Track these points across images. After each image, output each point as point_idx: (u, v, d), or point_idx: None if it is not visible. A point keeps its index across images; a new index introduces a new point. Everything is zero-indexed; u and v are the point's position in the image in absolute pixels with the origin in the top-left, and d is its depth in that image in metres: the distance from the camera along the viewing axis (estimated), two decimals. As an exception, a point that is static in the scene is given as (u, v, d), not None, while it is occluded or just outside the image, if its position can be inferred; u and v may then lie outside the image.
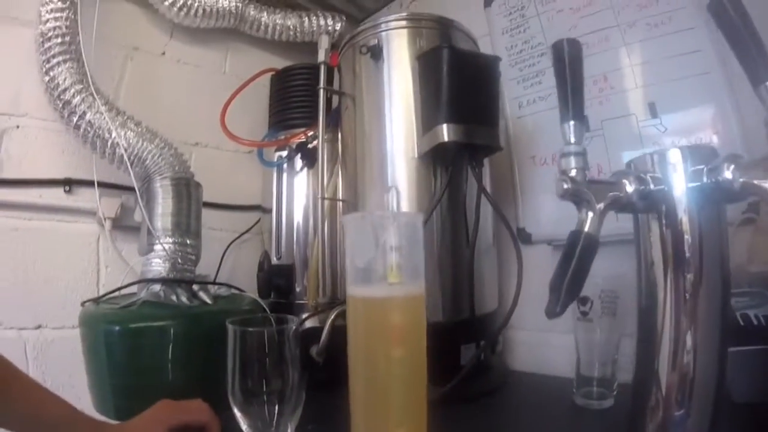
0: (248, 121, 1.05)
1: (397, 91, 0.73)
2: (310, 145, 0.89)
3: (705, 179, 0.33)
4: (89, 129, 0.77)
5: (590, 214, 0.35)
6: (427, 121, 0.67)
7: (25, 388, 0.48)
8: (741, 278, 0.58)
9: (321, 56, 0.79)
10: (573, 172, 0.36)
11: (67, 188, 0.88)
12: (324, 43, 0.80)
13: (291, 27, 1.12)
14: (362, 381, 0.27)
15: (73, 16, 0.79)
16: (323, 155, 0.81)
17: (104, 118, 0.76)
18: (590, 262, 0.34)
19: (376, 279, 0.25)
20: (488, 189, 0.77)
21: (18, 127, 0.85)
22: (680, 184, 0.36)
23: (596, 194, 0.37)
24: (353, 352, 0.27)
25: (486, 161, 0.76)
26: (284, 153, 0.92)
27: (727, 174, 0.30)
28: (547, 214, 0.84)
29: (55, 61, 0.77)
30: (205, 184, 0.87)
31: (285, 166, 0.93)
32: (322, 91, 0.79)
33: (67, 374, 0.82)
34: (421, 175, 0.71)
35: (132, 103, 0.95)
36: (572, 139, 0.37)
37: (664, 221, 0.38)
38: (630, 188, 0.35)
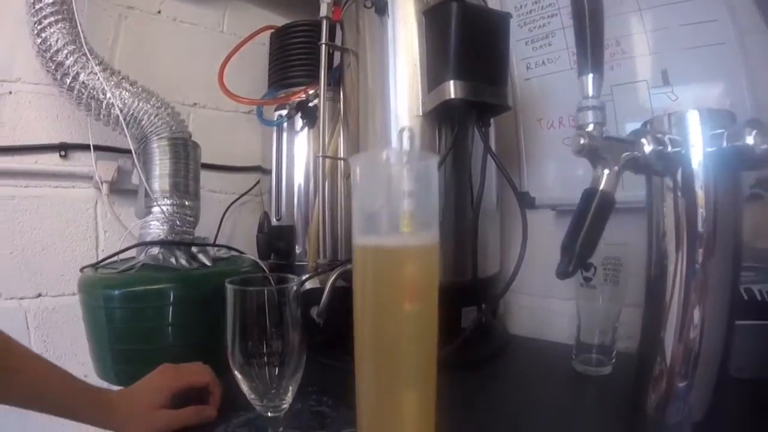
0: (247, 80, 1.02)
1: (402, 47, 0.70)
2: (310, 104, 0.86)
3: (725, 143, 0.31)
4: (83, 90, 0.74)
5: (606, 172, 0.33)
6: (433, 78, 0.65)
7: (24, 362, 0.46)
8: (747, 254, 0.57)
9: (323, 11, 0.75)
10: (590, 127, 0.35)
11: (63, 153, 0.86)
12: (326, -4, 0.76)
13: (291, -18, 1.08)
14: (371, 339, 0.26)
15: None
16: (325, 113, 0.79)
17: (98, 78, 0.73)
18: (605, 221, 0.33)
19: (387, 227, 0.23)
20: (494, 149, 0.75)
21: (11, 93, 0.83)
22: (698, 147, 0.34)
23: (612, 152, 0.35)
24: (360, 308, 0.25)
25: (491, 123, 0.73)
26: (284, 112, 0.90)
27: (749, 139, 0.29)
28: (552, 178, 0.83)
29: (46, 21, 0.73)
30: (204, 146, 0.86)
31: (285, 125, 0.90)
32: (323, 46, 0.76)
33: (68, 342, 0.83)
34: (426, 134, 0.69)
35: (127, 63, 0.91)
36: (590, 93, 0.35)
37: (680, 187, 0.36)
38: (648, 148, 0.34)
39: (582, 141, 0.33)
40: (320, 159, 0.77)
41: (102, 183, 0.86)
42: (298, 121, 0.88)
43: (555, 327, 0.78)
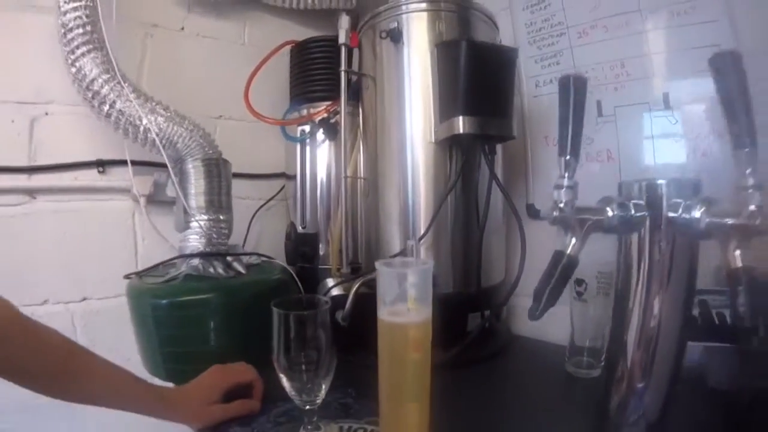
0: (269, 91, 1.07)
1: (417, 75, 0.75)
2: (331, 120, 0.92)
3: (680, 212, 0.37)
4: (120, 117, 0.80)
5: (573, 240, 0.40)
6: (444, 111, 0.71)
7: (88, 365, 0.55)
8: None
9: (341, 38, 0.80)
10: (562, 204, 0.41)
11: (101, 169, 0.93)
12: (344, 23, 0.80)
13: (309, -6, 1.11)
14: (387, 376, 0.35)
15: (91, 4, 0.80)
16: (345, 133, 0.85)
17: (134, 105, 0.80)
18: (569, 277, 0.40)
19: (399, 307, 0.32)
20: (501, 165, 0.82)
21: (47, 114, 0.89)
22: (659, 213, 0.40)
23: (580, 221, 0.42)
24: (382, 356, 0.35)
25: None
26: (307, 128, 0.96)
27: (696, 213, 0.35)
28: (557, 192, 0.88)
29: (79, 52, 0.79)
30: (230, 155, 0.92)
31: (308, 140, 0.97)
32: (343, 73, 0.82)
33: (113, 340, 0.89)
34: (438, 158, 0.75)
35: (154, 80, 0.97)
36: (566, 174, 0.42)
37: (640, 238, 0.42)
38: (611, 214, 0.40)
39: (555, 214, 0.40)
40: (343, 179, 0.84)
41: (140, 196, 0.94)
42: (320, 134, 0.95)
43: (554, 329, 0.83)
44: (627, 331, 0.42)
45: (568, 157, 0.42)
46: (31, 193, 0.88)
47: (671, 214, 0.37)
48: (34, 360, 0.52)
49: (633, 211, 0.39)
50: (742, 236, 0.31)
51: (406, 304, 0.32)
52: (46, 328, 0.54)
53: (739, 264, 0.31)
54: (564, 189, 0.41)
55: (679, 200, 0.37)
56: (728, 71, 0.34)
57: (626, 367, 0.44)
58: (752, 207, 0.31)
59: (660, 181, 0.39)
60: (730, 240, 0.31)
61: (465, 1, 0.76)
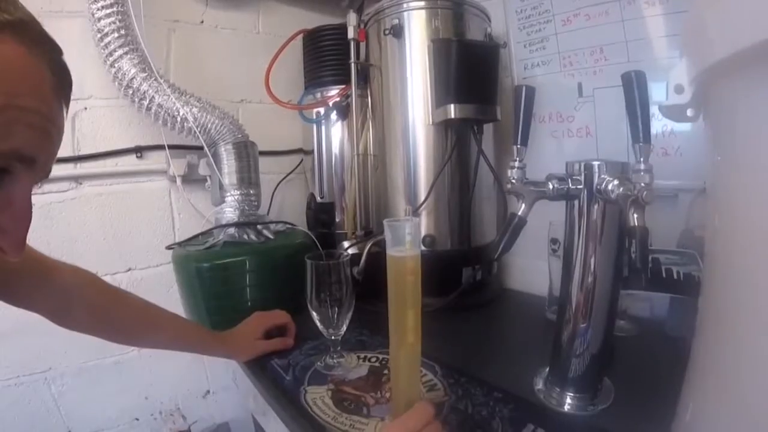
0: (284, 75, 1.17)
1: (417, 66, 0.87)
2: (343, 103, 1.04)
3: (603, 186, 0.49)
4: (160, 110, 0.93)
5: (523, 205, 0.53)
6: (438, 99, 0.82)
7: (167, 318, 0.71)
8: (687, 240, 0.74)
9: (350, 33, 0.91)
10: (515, 180, 0.54)
11: (139, 154, 1.06)
12: (352, 20, 0.91)
13: (317, -18, 1.19)
14: (393, 291, 0.50)
15: (122, 9, 0.89)
16: (356, 115, 0.98)
17: (171, 99, 0.92)
18: (519, 233, 0.53)
19: (400, 248, 0.47)
20: (492, 142, 0.95)
21: (86, 108, 1.00)
22: (591, 186, 0.51)
23: (529, 192, 0.54)
24: (390, 279, 0.49)
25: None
26: (322, 110, 1.08)
27: (610, 187, 0.47)
28: (541, 163, 0.99)
29: (117, 54, 0.89)
30: (252, 135, 1.03)
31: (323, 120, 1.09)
32: (353, 65, 0.93)
33: (156, 302, 1.06)
34: (435, 138, 0.89)
35: (180, 71, 1.08)
36: (517, 158, 0.55)
37: (577, 207, 0.54)
38: (551, 187, 0.52)
39: (509, 186, 0.54)
40: (356, 156, 0.97)
41: (177, 177, 1.07)
42: (334, 115, 1.07)
43: (540, 282, 0.95)
44: (572, 281, 0.55)
45: (519, 146, 0.54)
46: (78, 179, 1.00)
47: (599, 187, 0.49)
48: (120, 316, 0.67)
49: (571, 185, 0.51)
50: (637, 205, 0.43)
51: (404, 245, 0.47)
52: (125, 292, 0.70)
53: (634, 224, 0.43)
54: (516, 169, 0.54)
55: (605, 177, 0.49)
56: (633, 86, 0.45)
57: (572, 310, 0.56)
58: (642, 184, 0.43)
59: (595, 162, 0.51)
60: (629, 207, 0.44)
61: (459, -1, 0.86)
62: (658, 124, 0.81)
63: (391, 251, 0.48)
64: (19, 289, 0.55)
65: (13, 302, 0.55)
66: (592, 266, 0.53)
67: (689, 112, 0.39)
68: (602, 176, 0.49)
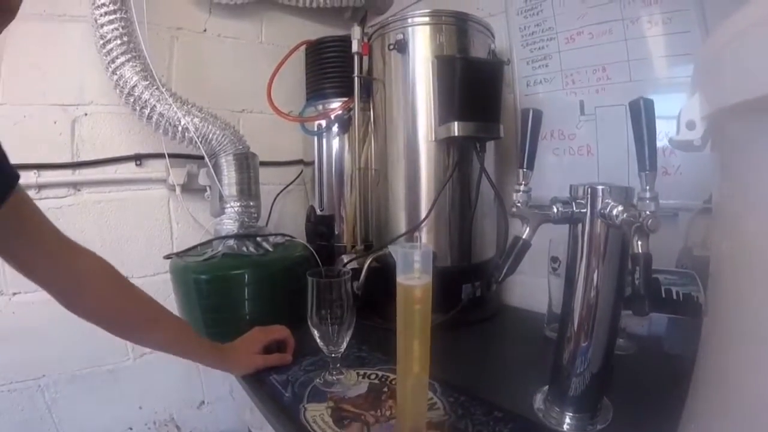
0: (285, 86, 1.18)
1: (420, 82, 0.87)
2: (345, 116, 1.04)
3: (608, 211, 0.49)
4: (161, 119, 0.92)
5: (527, 229, 0.53)
6: (442, 116, 0.82)
7: (168, 322, 0.70)
8: (686, 259, 0.74)
9: (354, 47, 0.91)
10: (520, 203, 0.54)
11: (138, 162, 1.05)
12: (356, 34, 0.91)
13: (320, -6, 1.19)
14: (401, 320, 0.50)
15: (125, 16, 0.88)
16: (357, 128, 0.97)
17: (173, 108, 0.91)
18: (523, 256, 0.53)
19: (409, 275, 0.47)
20: (494, 158, 0.95)
21: (86, 114, 0.99)
22: (595, 210, 0.51)
23: (534, 215, 0.54)
24: (398, 307, 0.49)
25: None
26: (323, 123, 1.08)
27: (614, 212, 0.47)
28: (543, 181, 0.99)
29: (119, 61, 0.88)
30: (253, 145, 1.03)
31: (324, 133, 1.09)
32: (356, 78, 0.93)
33: None
34: (437, 153, 0.88)
35: (182, 79, 1.08)
36: (522, 181, 0.55)
37: (580, 231, 0.54)
38: (555, 210, 0.52)
39: (514, 210, 0.54)
40: (357, 171, 0.97)
41: (176, 185, 1.07)
42: (335, 127, 1.07)
43: (539, 299, 0.95)
44: (573, 300, 0.55)
45: (524, 170, 0.54)
46: (76, 186, 1.00)
47: (603, 212, 0.49)
48: (126, 307, 0.68)
49: (575, 208, 0.51)
50: (641, 232, 0.43)
51: (414, 273, 0.47)
52: (135, 285, 0.70)
53: (638, 251, 0.43)
54: (521, 192, 0.54)
55: (609, 201, 0.49)
56: (640, 114, 0.45)
57: (573, 329, 0.56)
58: (647, 212, 0.43)
59: (599, 186, 0.51)
60: (634, 233, 0.44)
61: (462, 13, 0.86)
62: (659, 143, 0.81)
63: (400, 278, 0.47)
64: (38, 263, 0.56)
65: (31, 277, 0.56)
66: (595, 286, 0.53)
67: (696, 142, 0.39)
68: (606, 201, 0.49)
